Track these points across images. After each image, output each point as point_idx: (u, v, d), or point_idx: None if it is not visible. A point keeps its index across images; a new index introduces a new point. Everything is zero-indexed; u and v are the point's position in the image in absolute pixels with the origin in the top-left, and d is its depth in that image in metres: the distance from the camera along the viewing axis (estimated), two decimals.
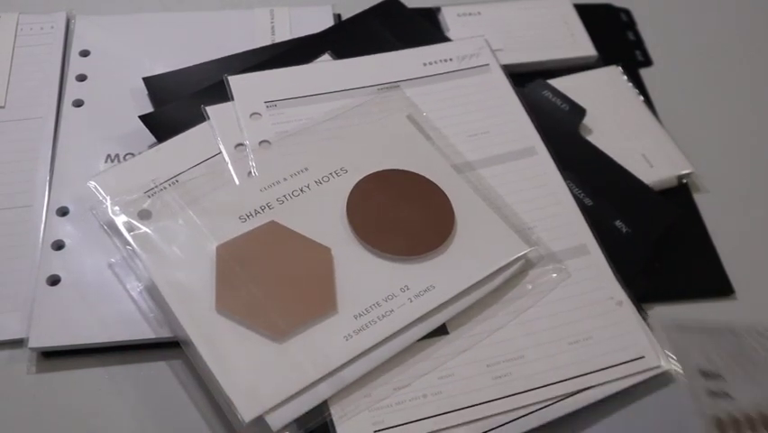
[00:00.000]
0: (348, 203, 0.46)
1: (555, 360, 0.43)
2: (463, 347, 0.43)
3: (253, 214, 0.45)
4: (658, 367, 0.44)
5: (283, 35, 0.59)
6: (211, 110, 0.50)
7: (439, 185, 0.47)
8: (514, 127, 0.53)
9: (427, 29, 0.60)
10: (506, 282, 0.45)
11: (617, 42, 0.65)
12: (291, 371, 0.40)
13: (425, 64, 0.55)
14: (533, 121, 0.53)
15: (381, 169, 0.47)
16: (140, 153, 0.50)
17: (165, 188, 0.47)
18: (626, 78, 0.60)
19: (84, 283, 0.45)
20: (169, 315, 0.42)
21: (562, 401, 0.42)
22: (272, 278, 0.43)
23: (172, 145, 0.49)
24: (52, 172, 0.50)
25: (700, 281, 0.50)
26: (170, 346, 0.43)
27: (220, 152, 0.49)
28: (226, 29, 0.60)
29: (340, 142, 0.50)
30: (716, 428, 0.41)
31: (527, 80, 0.57)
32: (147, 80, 0.55)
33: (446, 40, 0.59)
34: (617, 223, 0.50)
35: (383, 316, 0.42)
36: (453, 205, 0.47)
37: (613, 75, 0.60)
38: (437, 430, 0.40)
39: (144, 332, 0.44)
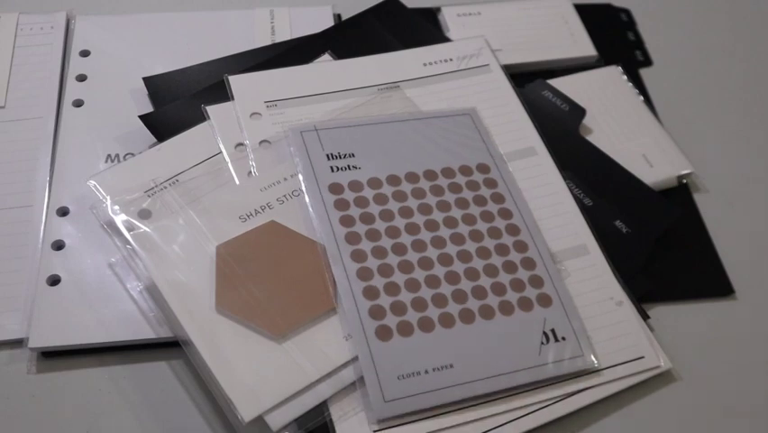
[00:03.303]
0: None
1: None
2: None
3: (253, 213, 0.45)
4: (658, 367, 0.44)
5: (283, 35, 0.59)
6: (211, 110, 0.50)
7: None
8: (514, 127, 0.53)
9: (427, 29, 0.60)
10: None
11: (617, 42, 0.65)
12: (291, 371, 0.40)
13: (425, 64, 0.55)
14: (533, 121, 0.53)
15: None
16: (140, 153, 0.50)
17: (165, 187, 0.47)
18: (626, 78, 0.60)
19: (84, 283, 0.45)
20: (168, 314, 0.42)
21: (562, 401, 0.42)
22: (272, 277, 0.43)
23: (172, 145, 0.49)
24: (52, 172, 0.50)
25: (700, 281, 0.50)
26: (170, 346, 0.43)
27: (220, 152, 0.49)
28: (226, 29, 0.60)
29: None
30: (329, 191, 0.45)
31: (527, 80, 0.57)
32: (147, 80, 0.55)
33: (446, 40, 0.59)
34: (617, 223, 0.50)
35: None
36: None
37: (613, 75, 0.60)
38: (437, 430, 0.40)
39: (144, 332, 0.44)
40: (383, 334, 0.41)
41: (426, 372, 0.40)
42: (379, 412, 0.39)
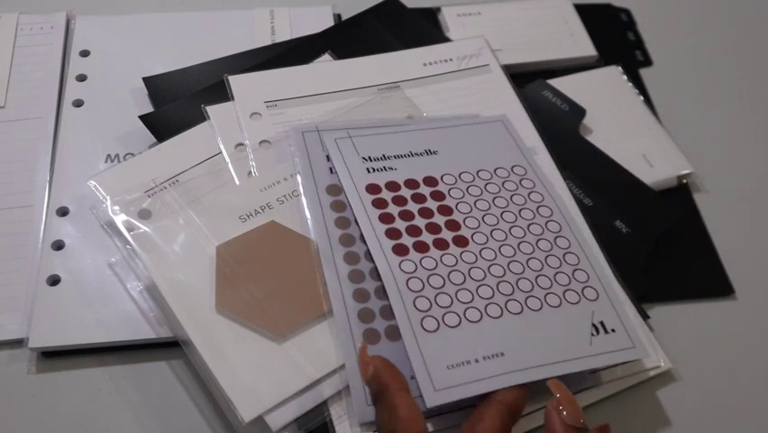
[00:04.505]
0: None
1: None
2: None
3: (253, 214, 0.45)
4: (658, 367, 0.44)
5: (283, 35, 0.59)
6: (211, 110, 0.50)
7: None
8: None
9: (427, 29, 0.60)
10: None
11: (617, 42, 0.65)
12: (291, 371, 0.40)
13: (425, 64, 0.55)
14: (533, 121, 0.53)
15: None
16: (140, 153, 0.50)
17: (165, 187, 0.47)
18: (626, 78, 0.60)
19: (84, 283, 0.45)
20: (168, 315, 0.42)
21: None
22: (272, 277, 0.43)
23: (172, 145, 0.49)
24: (52, 172, 0.50)
25: (700, 281, 0.50)
26: (170, 346, 0.43)
27: (220, 152, 0.49)
28: (226, 29, 0.60)
29: None
30: None
31: (527, 80, 0.57)
32: (147, 80, 0.55)
33: (446, 40, 0.59)
34: (617, 223, 0.50)
35: None
36: None
37: (613, 75, 0.60)
38: (436, 431, 0.40)
39: (144, 332, 0.44)
40: (371, 337, 0.40)
41: (412, 378, 0.39)
42: (363, 416, 0.38)
